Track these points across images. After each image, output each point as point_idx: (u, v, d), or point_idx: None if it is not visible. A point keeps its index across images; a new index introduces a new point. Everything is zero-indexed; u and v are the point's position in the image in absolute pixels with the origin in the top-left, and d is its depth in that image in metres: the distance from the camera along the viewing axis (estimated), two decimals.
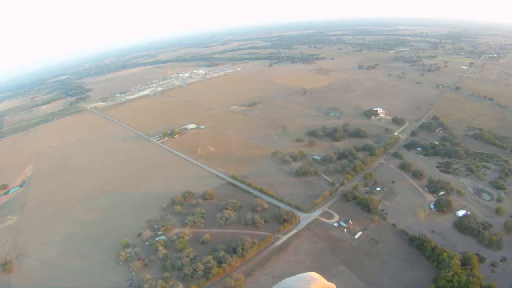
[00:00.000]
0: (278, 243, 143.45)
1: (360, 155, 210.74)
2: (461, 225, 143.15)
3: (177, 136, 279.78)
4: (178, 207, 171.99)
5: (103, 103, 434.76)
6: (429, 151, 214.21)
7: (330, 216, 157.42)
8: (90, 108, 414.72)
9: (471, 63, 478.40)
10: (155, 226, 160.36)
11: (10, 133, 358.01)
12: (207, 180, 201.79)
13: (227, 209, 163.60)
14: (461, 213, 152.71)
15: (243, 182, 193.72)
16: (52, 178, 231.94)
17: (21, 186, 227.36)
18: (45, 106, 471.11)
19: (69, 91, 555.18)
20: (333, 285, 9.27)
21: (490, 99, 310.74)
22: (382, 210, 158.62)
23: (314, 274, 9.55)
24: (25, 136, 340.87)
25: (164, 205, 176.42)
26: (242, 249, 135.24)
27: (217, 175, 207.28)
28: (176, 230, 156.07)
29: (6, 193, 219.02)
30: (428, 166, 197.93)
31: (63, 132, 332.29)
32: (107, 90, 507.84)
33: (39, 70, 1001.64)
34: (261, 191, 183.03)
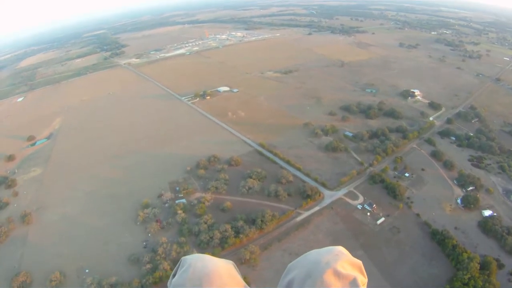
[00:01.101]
0: (298, 218, 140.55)
1: (393, 136, 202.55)
2: (486, 226, 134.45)
3: (208, 97, 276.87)
4: (202, 171, 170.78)
5: (138, 59, 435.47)
6: (463, 142, 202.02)
7: (355, 197, 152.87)
8: (124, 63, 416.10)
9: None
10: (177, 188, 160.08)
11: (42, 85, 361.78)
12: (234, 146, 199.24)
13: (251, 177, 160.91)
14: (487, 213, 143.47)
15: (271, 152, 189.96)
16: (80, 132, 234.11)
17: (48, 138, 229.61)
18: (79, 60, 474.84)
19: (105, 46, 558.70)
20: (360, 262, 7.25)
21: None
22: (408, 198, 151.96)
23: (342, 249, 7.45)
24: (57, 88, 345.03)
25: (188, 168, 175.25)
26: (262, 221, 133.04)
27: (245, 142, 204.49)
28: (198, 195, 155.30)
29: (33, 144, 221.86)
30: (460, 157, 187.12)
31: (95, 86, 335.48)
32: (142, 46, 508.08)
33: (75, 24, 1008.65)
34: (288, 162, 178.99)
